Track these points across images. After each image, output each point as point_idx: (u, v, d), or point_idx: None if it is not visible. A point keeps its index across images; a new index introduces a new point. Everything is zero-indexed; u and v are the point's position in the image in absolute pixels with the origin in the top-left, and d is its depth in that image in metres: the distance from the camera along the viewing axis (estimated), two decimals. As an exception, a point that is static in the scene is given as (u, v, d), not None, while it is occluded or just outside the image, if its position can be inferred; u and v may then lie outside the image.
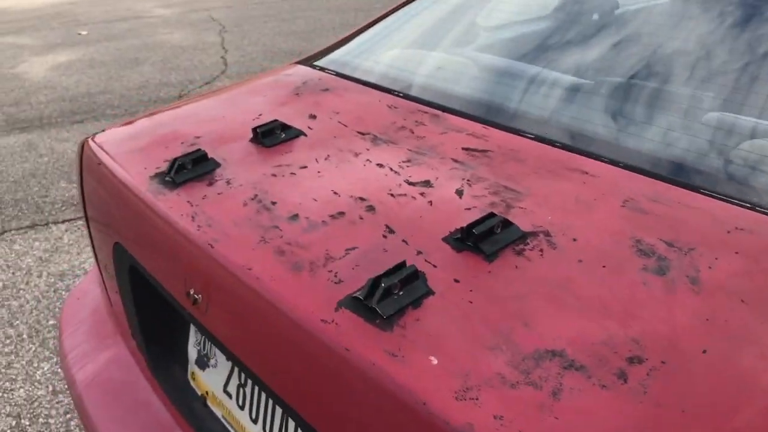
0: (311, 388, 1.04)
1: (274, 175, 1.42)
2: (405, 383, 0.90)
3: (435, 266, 1.09)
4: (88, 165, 1.71)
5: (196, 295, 1.26)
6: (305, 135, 1.59)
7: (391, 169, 1.39)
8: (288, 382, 1.10)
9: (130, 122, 1.82)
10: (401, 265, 1.06)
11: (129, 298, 1.61)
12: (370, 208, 1.27)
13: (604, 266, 1.06)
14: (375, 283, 1.03)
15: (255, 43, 8.18)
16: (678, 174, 1.28)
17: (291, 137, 1.57)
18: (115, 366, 1.80)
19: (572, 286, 1.03)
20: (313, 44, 7.78)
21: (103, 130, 1.82)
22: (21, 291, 3.63)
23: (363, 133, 1.56)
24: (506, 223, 1.14)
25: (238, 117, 1.73)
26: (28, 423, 2.82)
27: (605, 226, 1.16)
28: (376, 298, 1.01)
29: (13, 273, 3.79)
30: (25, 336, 3.30)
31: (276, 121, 1.59)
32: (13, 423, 2.82)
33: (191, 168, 1.46)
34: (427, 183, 1.33)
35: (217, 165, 1.49)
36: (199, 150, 1.50)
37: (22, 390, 2.99)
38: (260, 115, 1.72)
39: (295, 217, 1.26)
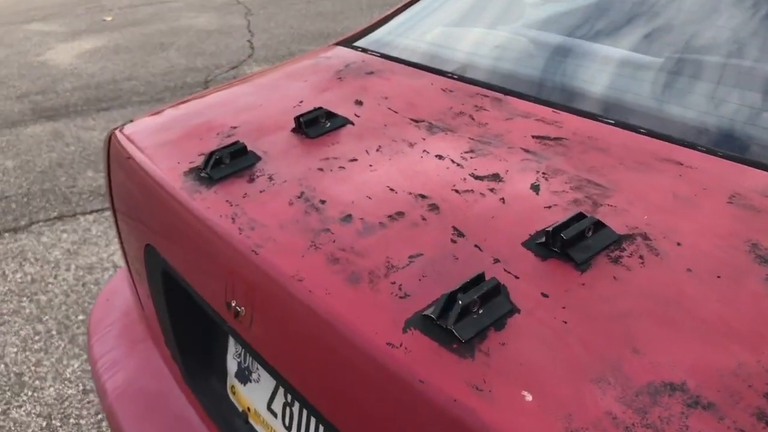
0: (374, 423, 0.89)
1: (321, 170, 1.27)
2: (495, 425, 0.75)
3: (517, 277, 0.94)
4: (116, 159, 1.57)
5: (238, 308, 1.12)
6: (352, 124, 1.43)
7: (453, 161, 1.23)
8: (344, 413, 0.95)
9: (160, 112, 1.68)
10: (479, 278, 0.90)
11: (162, 304, 1.48)
12: (433, 207, 1.11)
13: (718, 277, 0.90)
14: (450, 299, 0.87)
15: (281, 25, 8.02)
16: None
17: (337, 126, 1.42)
18: (148, 374, 1.67)
19: (684, 301, 0.86)
20: (341, 26, 7.60)
21: (132, 121, 1.68)
22: (49, 285, 3.54)
23: (417, 121, 1.40)
24: (598, 225, 0.98)
25: (277, 104, 1.58)
26: (59, 424, 2.72)
27: (712, 227, 0.99)
28: (453, 318, 0.86)
29: (41, 266, 3.70)
30: (54, 332, 3.20)
31: (320, 108, 1.44)
32: (44, 424, 2.73)
33: (229, 162, 1.31)
34: (496, 177, 1.17)
35: (258, 159, 1.34)
36: (237, 142, 1.35)
37: (52, 389, 2.89)
38: (301, 102, 1.56)
39: (348, 218, 1.11)
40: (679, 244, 0.96)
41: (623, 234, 0.99)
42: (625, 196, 1.08)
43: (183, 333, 1.48)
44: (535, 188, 1.13)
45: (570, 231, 0.96)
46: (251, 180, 1.27)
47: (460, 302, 0.86)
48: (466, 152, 1.26)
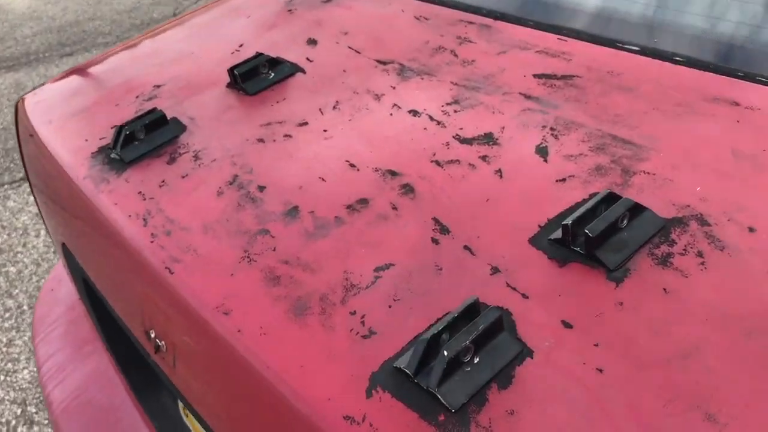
0: None
1: (261, 141, 0.97)
2: None
3: (526, 297, 0.65)
4: (23, 135, 1.27)
5: (158, 341, 0.85)
6: (303, 72, 1.12)
7: (432, 119, 0.93)
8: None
9: (75, 71, 1.36)
10: (473, 308, 0.62)
11: (92, 313, 1.20)
12: (407, 190, 0.82)
13: (818, 280, 0.61)
14: (430, 345, 0.60)
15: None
16: None
17: (283, 77, 1.11)
18: (97, 384, 1.42)
19: (772, 324, 0.58)
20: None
21: (43, 85, 1.37)
22: (18, 255, 3.28)
23: (384, 63, 1.09)
24: (636, 209, 0.69)
25: (211, 52, 1.26)
26: (34, 410, 2.51)
27: (795, 198, 0.70)
28: (437, 375, 0.58)
29: (8, 234, 3.43)
30: (25, 307, 2.96)
31: (260, 55, 1.12)
32: (19, 411, 2.51)
33: (144, 138, 1.02)
34: (489, 138, 0.87)
35: (182, 129, 1.04)
36: (154, 110, 1.05)
37: (26, 371, 2.67)
38: (241, 46, 1.25)
39: (294, 212, 0.82)
40: (752, 229, 0.67)
41: (671, 218, 0.70)
42: (667, 157, 0.78)
43: (119, 345, 1.21)
44: (542, 152, 0.83)
45: (597, 223, 0.67)
46: (172, 160, 0.98)
47: (445, 352, 0.59)
48: (449, 104, 0.96)
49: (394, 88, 1.02)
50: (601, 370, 0.58)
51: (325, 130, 0.96)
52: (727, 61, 0.92)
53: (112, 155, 1.02)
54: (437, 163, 0.85)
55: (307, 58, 1.16)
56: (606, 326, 0.61)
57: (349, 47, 1.16)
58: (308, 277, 0.73)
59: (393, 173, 0.85)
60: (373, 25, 1.22)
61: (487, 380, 0.59)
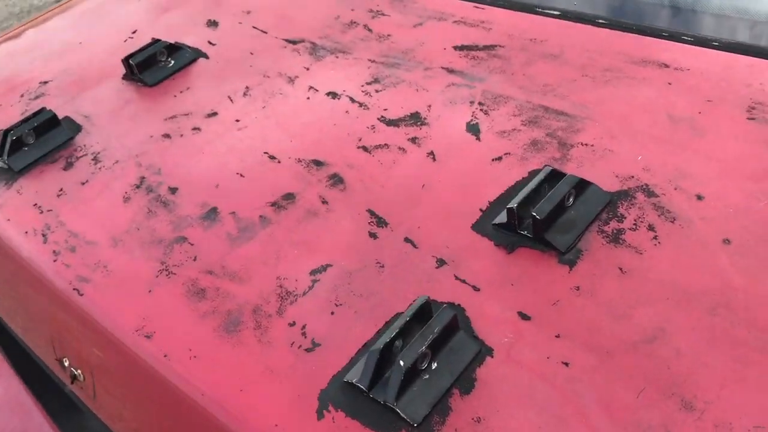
0: None
1: (167, 137, 0.89)
2: None
3: (477, 289, 0.61)
4: None
5: (74, 370, 0.76)
6: (206, 57, 1.04)
7: (353, 100, 0.87)
8: None
9: (-55, 69, 1.22)
10: (425, 308, 0.57)
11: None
12: (336, 181, 0.76)
13: (771, 246, 0.60)
14: (383, 354, 0.55)
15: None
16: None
17: (184, 64, 1.02)
18: (8, 408, 1.30)
19: (735, 300, 0.56)
20: None
21: None
22: None
23: (294, 42, 1.02)
24: (581, 185, 0.66)
25: (101, 41, 1.15)
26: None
27: (737, 162, 0.68)
28: (394, 388, 0.53)
29: None
30: None
31: (157, 41, 1.03)
32: None
33: (35, 142, 0.91)
34: (416, 119, 0.82)
35: (77, 129, 0.94)
36: (43, 110, 0.94)
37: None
38: (134, 32, 1.14)
39: (213, 214, 0.75)
40: (700, 197, 0.65)
41: (616, 191, 0.67)
42: (603, 126, 0.75)
43: (31, 373, 1.10)
44: (474, 130, 0.79)
45: (543, 204, 0.63)
46: (68, 165, 0.88)
47: (402, 362, 0.53)
48: (369, 83, 0.90)
49: (307, 69, 0.96)
50: (566, 364, 0.54)
51: (237, 120, 0.89)
52: (652, 21, 0.89)
53: (0, 164, 0.91)
54: (365, 148, 0.80)
55: (209, 42, 1.07)
56: (565, 315, 0.58)
57: (254, 27, 1.08)
58: (237, 288, 0.67)
59: (318, 163, 0.79)
60: (277, 2, 1.14)
61: (447, 387, 0.54)
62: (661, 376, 0.52)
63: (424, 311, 0.57)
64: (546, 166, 0.68)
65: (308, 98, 0.90)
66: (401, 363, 0.53)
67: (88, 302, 0.70)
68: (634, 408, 0.51)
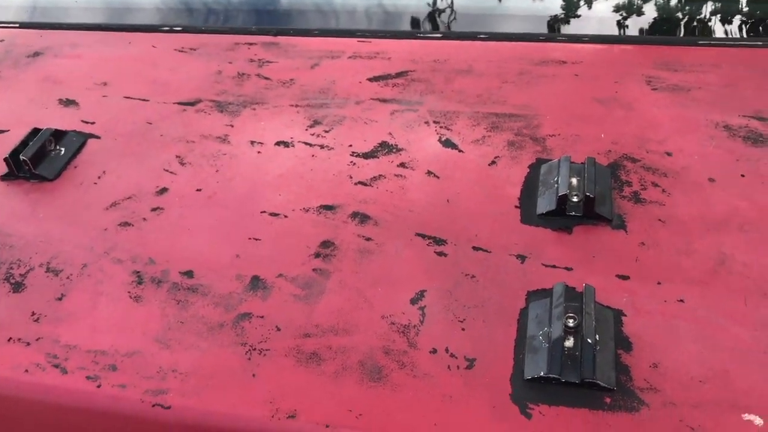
0: None
1: (128, 224, 0.81)
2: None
3: (570, 269, 0.69)
4: None
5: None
6: (97, 137, 0.94)
7: (310, 145, 0.89)
8: None
9: None
10: (566, 292, 0.64)
11: None
12: (362, 218, 0.78)
13: (742, 175, 0.78)
14: (555, 343, 0.60)
15: None
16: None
17: (77, 149, 0.92)
18: None
19: (752, 218, 0.73)
20: None
21: None
22: None
23: (191, 103, 0.98)
24: (594, 165, 0.77)
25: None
26: None
27: (672, 120, 0.86)
28: (588, 365, 0.59)
29: None
30: None
31: (38, 130, 0.91)
32: None
33: (-48, 272, 0.75)
34: (388, 147, 0.87)
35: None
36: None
37: None
38: (-25, 128, 0.98)
39: (258, 283, 0.72)
40: (669, 153, 0.82)
41: (608, 165, 0.81)
42: (554, 118, 0.89)
43: None
44: (450, 144, 0.86)
45: (589, 185, 0.74)
46: (17, 287, 0.75)
47: (588, 340, 0.60)
48: (311, 126, 0.91)
49: (231, 126, 0.93)
50: (681, 300, 0.66)
51: (199, 190, 0.84)
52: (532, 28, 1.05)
53: None
54: (363, 183, 0.82)
55: (83, 121, 0.97)
56: (650, 265, 0.69)
57: (127, 97, 1.01)
58: (348, 340, 0.66)
59: (329, 207, 0.79)
60: (133, 69, 1.07)
61: (614, 350, 0.62)
62: (747, 284, 0.66)
63: (568, 294, 0.64)
64: (565, 156, 0.78)
65: (259, 152, 0.88)
66: (588, 341, 0.60)
67: (183, 412, 0.62)
68: (749, 312, 0.64)
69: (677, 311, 0.64)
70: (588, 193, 0.72)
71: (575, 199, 0.73)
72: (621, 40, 1.01)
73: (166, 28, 1.14)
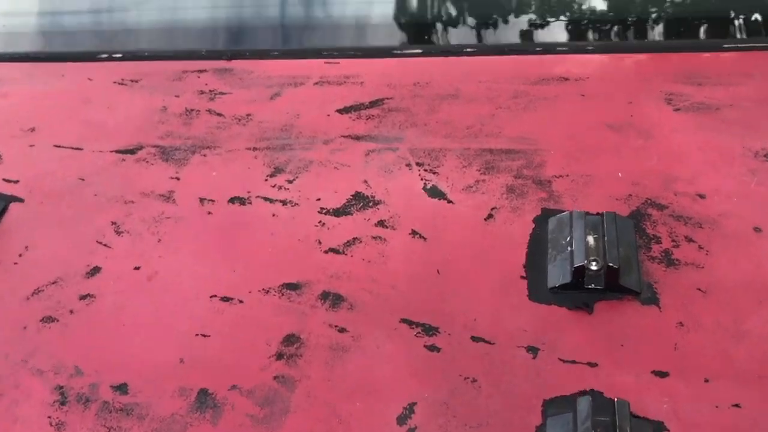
0: None
1: (52, 320, 0.66)
2: None
3: (594, 365, 0.56)
4: None
5: None
6: (20, 200, 0.80)
7: (270, 200, 0.75)
8: None
9: None
10: (594, 407, 0.50)
11: None
12: (334, 300, 0.63)
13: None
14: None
15: None
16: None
17: (-1, 216, 0.77)
18: None
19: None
20: None
21: None
22: None
23: (132, 151, 0.83)
24: (612, 219, 0.63)
25: None
26: None
27: (700, 150, 0.72)
28: None
29: None
30: None
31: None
32: None
33: None
34: (363, 199, 0.73)
35: None
36: None
37: None
38: None
39: (205, 398, 0.58)
40: (702, 196, 0.67)
41: (630, 214, 0.66)
42: (559, 153, 0.75)
43: None
44: (436, 193, 0.72)
45: (611, 251, 0.59)
46: None
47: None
48: (273, 175, 0.77)
49: (178, 179, 0.78)
50: (738, 405, 0.52)
51: (137, 268, 0.69)
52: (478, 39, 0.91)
53: None
54: (335, 251, 0.67)
55: (5, 180, 0.82)
56: (694, 355, 0.55)
57: (58, 146, 0.86)
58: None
59: (293, 286, 0.65)
60: (65, 108, 0.92)
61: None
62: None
63: (595, 407, 0.50)
64: (578, 213, 0.64)
65: (210, 213, 0.74)
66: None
67: None
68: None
69: (734, 420, 0.50)
70: (610, 263, 0.58)
71: (594, 266, 0.59)
72: (632, 47, 0.86)
73: (105, 55, 0.99)
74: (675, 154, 0.71)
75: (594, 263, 0.60)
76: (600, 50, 0.85)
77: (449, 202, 0.71)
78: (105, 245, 0.72)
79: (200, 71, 0.93)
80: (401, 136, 0.79)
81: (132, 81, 0.94)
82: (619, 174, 0.70)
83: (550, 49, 0.87)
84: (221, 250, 0.70)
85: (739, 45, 0.84)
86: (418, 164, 0.75)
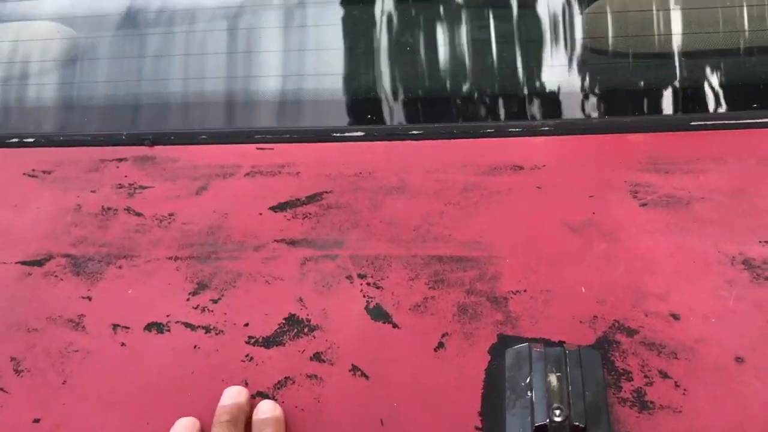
0: None
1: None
2: None
3: None
4: None
5: None
6: None
7: (191, 327, 0.66)
8: None
9: None
10: None
11: None
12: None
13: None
14: None
15: None
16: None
17: None
18: None
19: None
20: None
21: None
22: None
23: (39, 263, 0.74)
24: (575, 354, 0.56)
25: None
26: None
27: (670, 257, 0.65)
28: None
29: None
30: None
31: None
32: None
33: None
34: (296, 323, 0.65)
35: None
36: None
37: None
38: None
39: None
40: (675, 317, 0.60)
41: (595, 342, 0.59)
42: (515, 262, 0.67)
43: None
44: (380, 315, 0.64)
45: (577, 403, 0.52)
46: None
47: None
48: (196, 294, 0.68)
49: (89, 299, 0.69)
50: None
51: (37, 420, 0.60)
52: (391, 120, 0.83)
53: None
54: (262, 395, 0.59)
55: None
56: None
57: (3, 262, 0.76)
58: None
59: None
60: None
61: None
62: None
63: None
64: (528, 343, 0.56)
65: (123, 344, 0.64)
66: None
67: None
68: None
69: None
70: (576, 422, 0.50)
71: (558, 417, 0.51)
72: (591, 126, 0.78)
73: (15, 140, 0.89)
74: (643, 262, 0.64)
75: (557, 411, 0.52)
76: (557, 130, 0.78)
77: (395, 326, 0.62)
78: (1, 390, 0.62)
79: (119, 160, 0.84)
80: (341, 240, 0.70)
81: (44, 172, 0.85)
82: (582, 289, 0.63)
83: (502, 130, 0.79)
84: (132, 395, 0.60)
85: (707, 123, 0.77)
86: (360, 276, 0.67)
